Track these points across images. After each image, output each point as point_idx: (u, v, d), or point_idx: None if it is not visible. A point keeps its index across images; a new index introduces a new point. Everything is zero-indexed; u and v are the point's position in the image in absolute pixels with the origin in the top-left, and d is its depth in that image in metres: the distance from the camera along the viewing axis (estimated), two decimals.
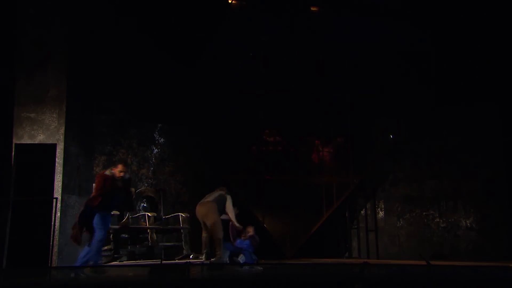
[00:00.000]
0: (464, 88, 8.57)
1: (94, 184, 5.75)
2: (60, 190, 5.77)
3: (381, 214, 9.20)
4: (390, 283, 4.79)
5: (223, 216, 6.63)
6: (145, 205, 8.01)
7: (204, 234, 6.62)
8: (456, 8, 8.40)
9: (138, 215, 7.56)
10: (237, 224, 6.72)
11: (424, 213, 8.79)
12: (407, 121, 9.17)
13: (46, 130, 5.91)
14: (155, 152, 8.37)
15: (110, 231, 6.97)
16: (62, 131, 5.92)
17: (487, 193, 8.40)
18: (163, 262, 5.40)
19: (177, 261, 7.05)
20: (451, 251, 8.44)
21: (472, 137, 8.65)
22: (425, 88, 8.90)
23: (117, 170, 5.66)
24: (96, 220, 5.45)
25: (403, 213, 8.96)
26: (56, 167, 5.79)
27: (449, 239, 8.55)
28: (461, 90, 8.59)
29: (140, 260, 7.44)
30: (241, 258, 6.53)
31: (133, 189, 7.76)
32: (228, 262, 6.33)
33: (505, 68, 8.42)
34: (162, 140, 8.46)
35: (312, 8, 9.32)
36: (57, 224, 5.65)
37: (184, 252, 7.25)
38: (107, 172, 5.70)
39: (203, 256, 6.66)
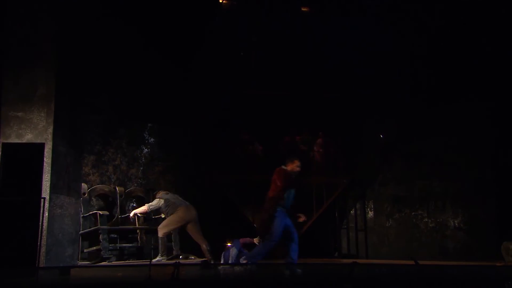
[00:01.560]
0: (453, 88, 8.65)
1: (274, 180, 5.81)
2: (48, 190, 5.70)
3: (370, 214, 9.25)
4: (379, 282, 4.81)
5: None
6: (134, 205, 7.96)
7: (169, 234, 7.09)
8: (445, 8, 8.47)
9: (128, 215, 7.53)
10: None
11: (413, 213, 8.86)
12: (397, 122, 9.24)
13: (34, 129, 5.84)
14: (145, 152, 8.33)
15: (99, 231, 6.95)
16: (50, 130, 5.84)
17: (475, 193, 8.49)
18: (152, 262, 5.37)
19: (166, 261, 7.02)
20: (439, 251, 8.52)
21: (460, 138, 8.73)
22: (415, 88, 8.95)
23: (295, 165, 5.80)
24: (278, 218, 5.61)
25: (392, 213, 9.02)
26: (44, 167, 5.72)
27: (438, 239, 8.62)
28: (450, 91, 8.67)
29: (129, 260, 7.41)
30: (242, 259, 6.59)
31: (122, 189, 7.73)
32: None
33: (494, 69, 8.50)
34: (152, 140, 8.43)
35: (303, 9, 9.34)
36: (45, 224, 5.58)
37: (174, 252, 7.24)
38: (284, 168, 5.83)
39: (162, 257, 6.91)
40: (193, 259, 7.44)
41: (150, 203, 7.21)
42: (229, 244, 7.35)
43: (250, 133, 9.63)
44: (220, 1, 9.24)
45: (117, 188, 7.71)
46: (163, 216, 7.29)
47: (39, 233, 5.47)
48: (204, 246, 6.96)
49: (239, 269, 5.98)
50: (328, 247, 9.61)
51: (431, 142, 8.91)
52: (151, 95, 8.23)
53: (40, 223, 5.48)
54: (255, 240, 6.87)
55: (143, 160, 8.27)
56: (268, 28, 9.41)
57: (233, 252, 6.61)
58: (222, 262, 6.60)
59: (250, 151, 9.55)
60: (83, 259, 7.09)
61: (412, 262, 5.25)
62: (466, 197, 8.56)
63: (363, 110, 9.45)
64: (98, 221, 7.10)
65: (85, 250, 7.15)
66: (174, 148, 8.65)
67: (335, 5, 9.02)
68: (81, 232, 7.12)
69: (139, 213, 7.34)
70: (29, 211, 5.53)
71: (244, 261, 6.09)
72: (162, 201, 7.11)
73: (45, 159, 5.72)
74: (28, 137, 5.80)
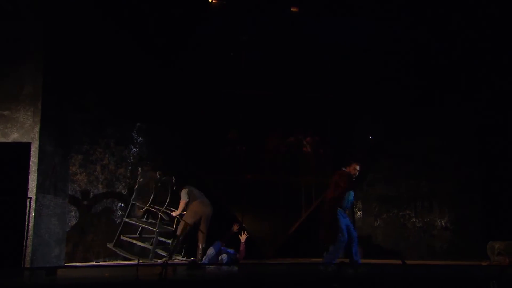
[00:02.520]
0: (441, 90, 8.74)
1: (334, 182, 6.14)
2: (34, 189, 5.65)
3: (359, 214, 9.29)
4: (367, 282, 4.84)
5: None
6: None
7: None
8: (432, 12, 8.56)
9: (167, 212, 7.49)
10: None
11: (400, 213, 8.92)
12: (385, 122, 9.28)
13: (20, 128, 5.78)
14: (133, 151, 8.28)
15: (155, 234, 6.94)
16: (37, 129, 5.80)
17: (462, 193, 8.58)
18: (140, 262, 5.33)
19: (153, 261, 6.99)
20: (426, 251, 8.59)
21: (448, 138, 8.82)
22: (403, 89, 9.01)
23: (352, 168, 6.17)
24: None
25: (380, 213, 9.07)
26: (30, 166, 5.67)
27: (425, 238, 8.69)
28: (439, 93, 8.75)
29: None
30: (223, 258, 6.60)
31: (159, 173, 7.64)
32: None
33: (480, 70, 8.61)
34: (140, 139, 8.37)
35: (293, 9, 9.35)
36: (31, 224, 5.53)
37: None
38: (345, 170, 6.16)
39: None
40: (182, 260, 7.41)
41: (182, 198, 7.23)
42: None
43: (238, 132, 9.62)
44: (210, 0, 9.22)
45: (158, 174, 7.65)
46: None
47: (25, 233, 5.41)
48: (200, 246, 6.96)
49: (226, 270, 5.98)
50: (316, 247, 9.63)
51: (419, 142, 8.98)
52: (139, 94, 8.18)
53: (26, 223, 5.42)
54: (235, 228, 6.99)
55: (131, 160, 8.21)
56: (259, 28, 9.41)
57: (210, 251, 6.63)
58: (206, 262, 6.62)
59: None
60: (119, 246, 7.08)
61: (399, 262, 5.30)
62: (453, 197, 8.65)
63: (353, 111, 9.49)
64: (157, 224, 7.10)
65: (124, 237, 7.10)
66: (162, 148, 8.60)
67: (325, 5, 9.04)
68: (125, 219, 7.13)
69: (179, 213, 7.24)
70: (15, 211, 5.46)
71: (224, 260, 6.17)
72: (188, 190, 7.20)
73: (31, 158, 5.67)
74: (14, 136, 5.74)
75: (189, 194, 7.26)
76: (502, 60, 8.37)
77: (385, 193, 9.10)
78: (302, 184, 9.37)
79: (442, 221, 8.69)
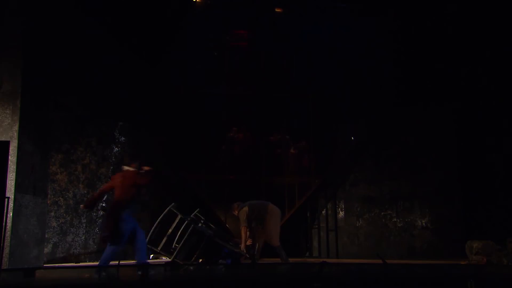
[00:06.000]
0: (421, 92, 8.86)
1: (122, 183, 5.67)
2: (13, 189, 5.55)
3: (341, 214, 9.36)
4: (348, 281, 4.88)
5: None
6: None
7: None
8: (415, 13, 8.67)
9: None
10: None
11: (382, 213, 9.02)
12: (367, 124, 9.38)
13: None
14: (115, 151, 8.19)
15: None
16: (16, 128, 5.70)
17: (441, 194, 8.72)
18: (121, 262, 5.28)
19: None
20: (407, 250, 8.70)
21: (428, 140, 8.96)
22: (385, 91, 9.12)
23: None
24: None
25: (362, 213, 9.16)
26: (9, 165, 5.56)
27: (406, 238, 8.81)
28: (418, 94, 8.87)
29: None
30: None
31: None
32: None
33: (459, 73, 8.76)
34: (122, 138, 8.29)
35: (277, 9, 9.38)
36: (9, 224, 5.43)
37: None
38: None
39: None
40: (163, 260, 7.36)
41: (242, 223, 6.88)
42: None
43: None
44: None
45: None
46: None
47: (3, 234, 5.31)
48: (258, 246, 7.07)
49: (208, 270, 5.96)
50: (299, 247, 9.67)
51: (400, 143, 9.09)
52: (122, 93, 8.10)
53: (3, 224, 5.31)
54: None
55: (113, 160, 8.12)
56: (242, 28, 9.42)
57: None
58: None
59: (233, 152, 9.51)
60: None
61: (380, 261, 5.35)
62: (433, 198, 8.79)
63: (336, 112, 9.54)
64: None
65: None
66: (145, 148, 8.54)
67: (308, 6, 9.09)
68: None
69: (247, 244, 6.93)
70: None
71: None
72: (247, 209, 6.93)
73: (10, 157, 5.56)
74: None
75: (249, 215, 6.83)
76: (483, 61, 8.52)
77: (367, 193, 9.19)
78: (285, 184, 9.40)
79: (423, 221, 8.81)
